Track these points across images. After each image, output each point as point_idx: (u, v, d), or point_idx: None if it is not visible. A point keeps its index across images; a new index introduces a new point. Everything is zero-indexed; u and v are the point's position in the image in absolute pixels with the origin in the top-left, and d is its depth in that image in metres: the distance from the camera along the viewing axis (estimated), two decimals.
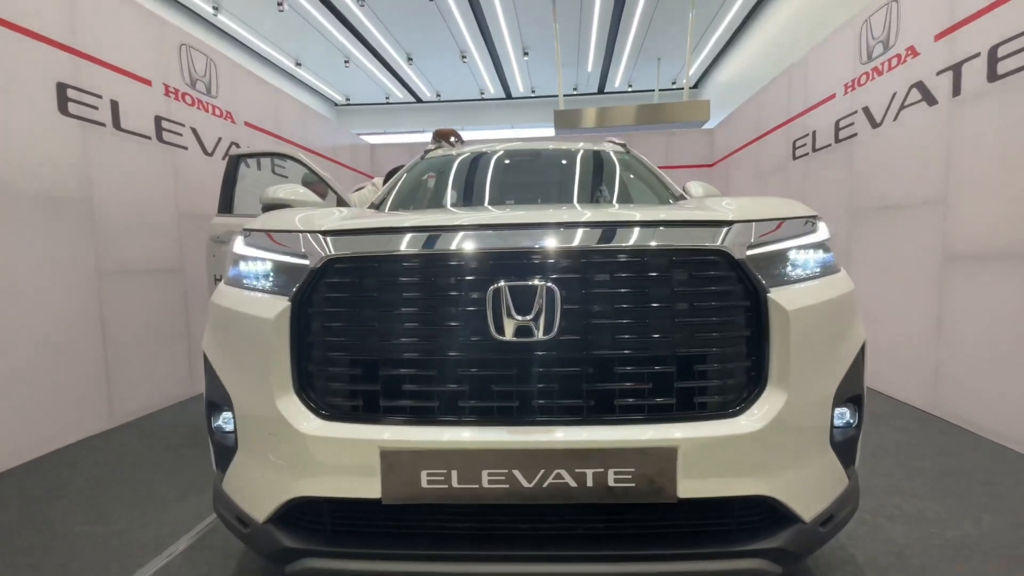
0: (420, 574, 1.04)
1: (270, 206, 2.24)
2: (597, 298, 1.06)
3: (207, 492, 2.09)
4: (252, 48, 10.42)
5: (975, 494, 1.99)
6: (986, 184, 2.54)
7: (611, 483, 1.00)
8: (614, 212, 1.22)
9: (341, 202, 2.69)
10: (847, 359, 1.18)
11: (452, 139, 3.46)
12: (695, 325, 1.06)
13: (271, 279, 1.20)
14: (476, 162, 2.64)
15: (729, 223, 1.11)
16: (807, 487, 1.10)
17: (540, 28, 9.71)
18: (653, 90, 11.88)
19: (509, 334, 1.02)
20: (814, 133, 4.06)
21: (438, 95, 13.71)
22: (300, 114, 5.47)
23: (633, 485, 1.00)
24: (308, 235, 1.17)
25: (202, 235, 3.21)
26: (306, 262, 1.13)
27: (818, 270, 1.23)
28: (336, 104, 14.23)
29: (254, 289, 1.22)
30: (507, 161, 2.65)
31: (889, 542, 1.67)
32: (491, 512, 1.07)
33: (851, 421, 1.22)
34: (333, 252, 1.11)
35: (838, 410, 1.18)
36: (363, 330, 1.10)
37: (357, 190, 4.27)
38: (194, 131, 3.73)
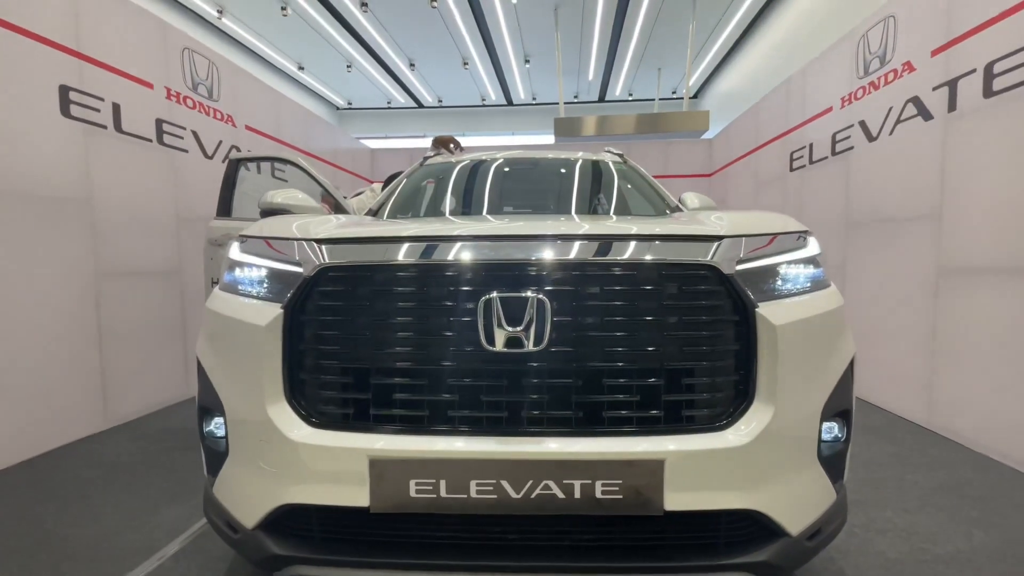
0: None
1: (268, 211, 2.25)
2: (587, 310, 1.07)
3: (199, 495, 2.09)
4: (255, 52, 10.49)
5: (967, 508, 1.99)
6: (980, 199, 2.56)
7: (598, 495, 1.00)
8: (606, 225, 1.23)
9: (339, 208, 2.71)
10: (835, 373, 1.18)
11: (452, 146, 3.49)
12: (684, 339, 1.07)
13: (265, 286, 1.21)
14: (475, 170, 2.66)
15: (719, 238, 1.13)
16: (794, 501, 1.10)
17: (542, 36, 9.78)
18: (653, 99, 11.94)
19: (500, 345, 1.03)
20: (811, 146, 4.09)
21: (440, 100, 13.78)
22: (301, 118, 5.49)
23: (620, 497, 1.00)
24: (303, 243, 1.18)
25: (201, 238, 3.22)
26: (300, 270, 1.14)
27: (808, 285, 1.24)
28: (338, 108, 14.29)
29: (248, 295, 1.23)
30: (506, 170, 2.67)
31: (879, 555, 1.68)
32: (480, 522, 1.07)
33: (839, 435, 1.23)
34: (327, 260, 1.12)
35: (826, 424, 1.18)
36: (355, 339, 1.11)
37: (356, 195, 4.29)
38: (195, 134, 3.75)
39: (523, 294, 1.04)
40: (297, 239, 1.19)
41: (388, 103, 13.89)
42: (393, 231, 1.19)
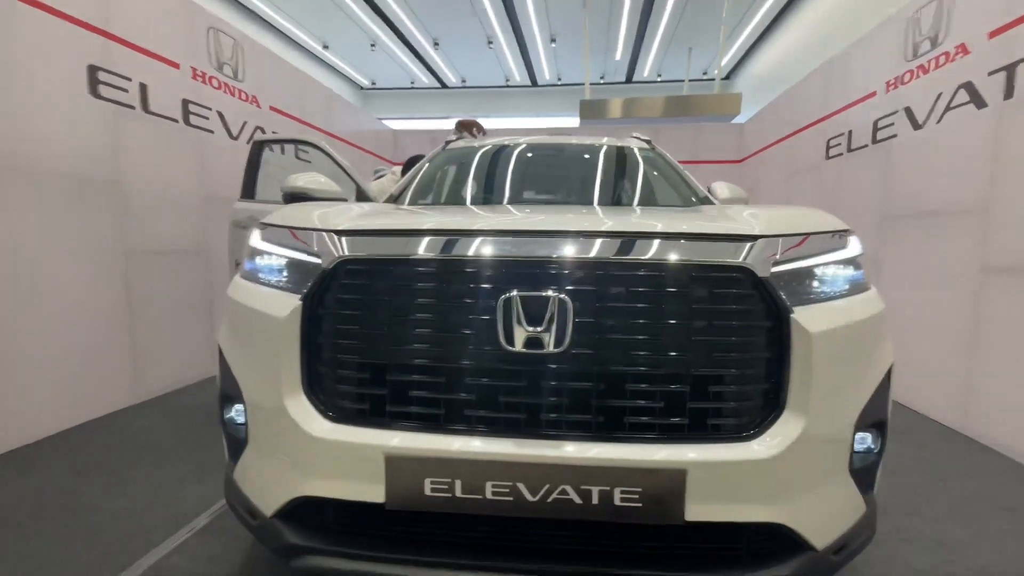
0: None
1: (291, 195, 2.25)
2: (611, 312, 1.03)
3: (222, 474, 2.14)
4: (281, 30, 10.47)
5: (998, 519, 1.91)
6: None
7: (617, 502, 0.98)
8: (633, 220, 1.17)
9: (361, 194, 2.68)
10: (872, 383, 1.12)
11: (475, 130, 3.43)
12: (712, 344, 1.02)
13: (284, 275, 1.20)
14: (497, 156, 2.61)
15: (754, 237, 1.06)
16: (821, 514, 1.06)
17: (569, 15, 9.51)
18: (683, 80, 11.55)
19: (519, 345, 1.00)
20: (850, 133, 3.90)
21: (463, 81, 13.60)
22: (324, 99, 5.48)
23: (640, 505, 0.97)
24: (323, 233, 1.16)
25: (226, 218, 3.26)
26: (319, 261, 1.13)
27: (846, 288, 1.18)
28: (361, 88, 14.24)
29: (268, 284, 1.22)
30: (528, 156, 2.61)
31: (906, 566, 1.62)
32: (495, 522, 1.06)
33: (872, 447, 1.17)
34: (346, 253, 1.10)
35: (859, 435, 1.13)
36: (373, 333, 1.09)
37: (377, 178, 4.27)
38: (220, 115, 3.76)
39: (544, 293, 1.00)
40: (317, 229, 1.18)
41: (411, 83, 13.78)
42: (413, 223, 1.16)
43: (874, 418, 1.15)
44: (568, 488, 0.98)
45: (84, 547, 1.66)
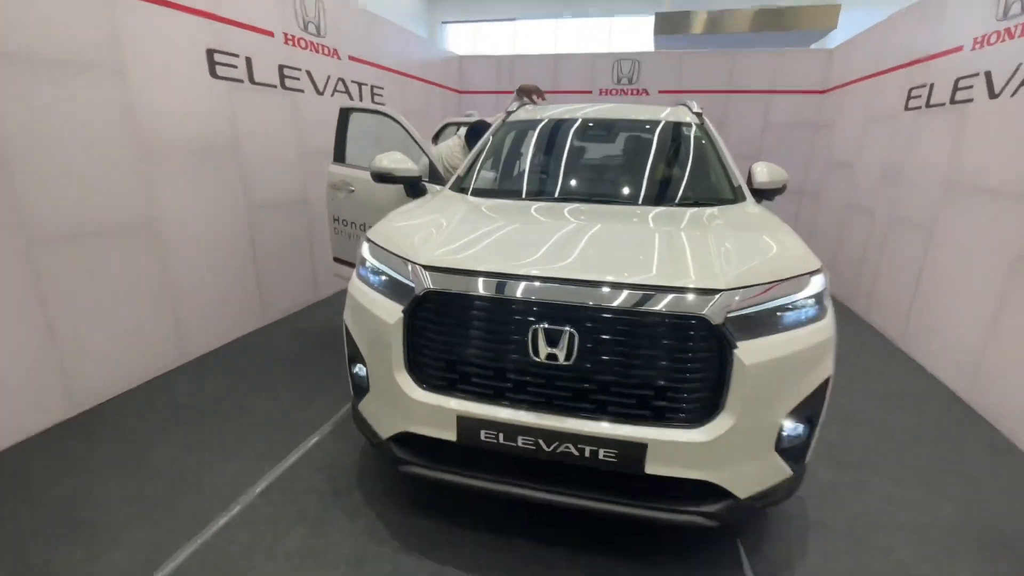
0: (475, 487, 1.67)
1: (377, 175, 2.75)
2: (603, 340, 1.50)
3: (336, 390, 2.93)
4: None
5: (952, 485, 2.31)
6: None
7: (600, 457, 1.53)
8: (627, 274, 1.54)
9: (433, 172, 3.11)
10: (803, 393, 1.54)
11: (535, 96, 3.65)
12: (672, 364, 1.48)
13: (390, 288, 1.75)
14: (551, 138, 2.92)
15: (717, 291, 1.46)
16: (745, 476, 1.55)
17: None
18: None
19: (542, 358, 1.52)
20: (932, 86, 3.68)
21: None
22: (396, 38, 5.68)
23: (615, 461, 1.52)
24: (416, 266, 1.67)
25: (320, 170, 3.83)
26: (413, 286, 1.66)
27: (800, 320, 1.56)
28: None
29: (378, 291, 1.78)
30: (581, 138, 2.89)
31: (846, 511, 2.11)
32: (521, 462, 1.65)
33: (800, 435, 1.61)
34: (431, 286, 1.62)
35: (789, 425, 1.58)
36: (448, 338, 1.64)
37: (440, 132, 4.61)
38: (308, 74, 4.20)
39: (560, 327, 1.49)
40: (410, 261, 1.69)
41: None
42: (475, 263, 1.63)
43: (804, 415, 1.58)
44: (570, 446, 1.54)
45: (264, 433, 2.50)
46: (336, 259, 3.72)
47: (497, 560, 1.79)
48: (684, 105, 3.23)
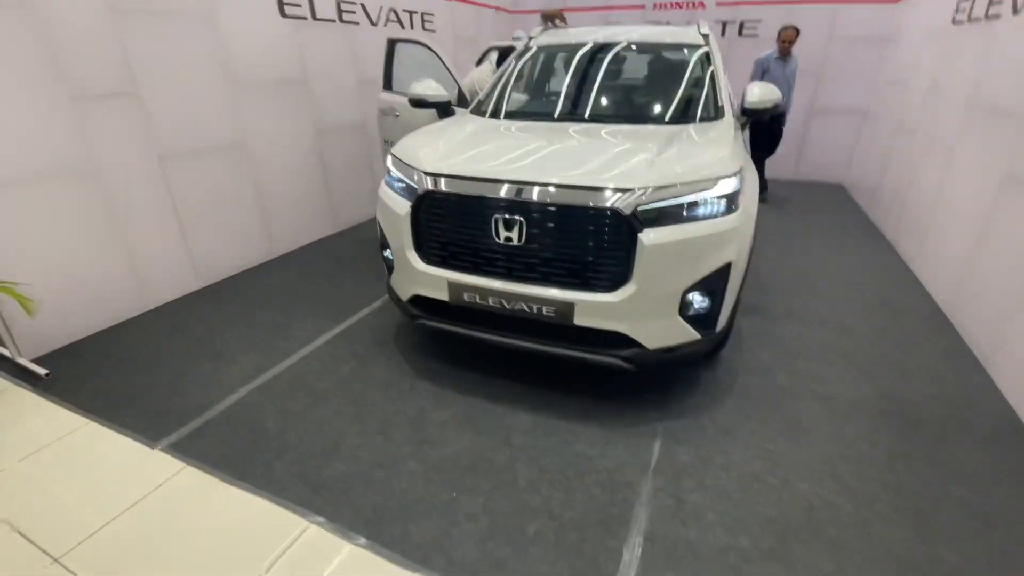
0: (463, 334, 2.35)
1: (414, 101, 3.30)
2: (544, 227, 2.03)
3: (384, 281, 3.69)
4: None
5: (883, 374, 2.68)
6: None
7: (544, 312, 2.12)
8: (570, 174, 2.01)
9: (462, 97, 3.59)
10: (702, 272, 2.01)
11: (557, 20, 3.91)
12: (596, 246, 2.00)
13: (403, 188, 2.37)
14: (559, 63, 3.29)
15: (626, 190, 1.93)
16: (653, 332, 2.09)
17: None
18: None
19: (502, 240, 2.10)
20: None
21: None
22: None
23: (554, 315, 2.11)
24: (421, 172, 2.27)
25: (375, 97, 4.42)
26: (417, 187, 2.27)
27: (705, 214, 2.00)
28: None
29: (396, 192, 2.42)
30: (585, 65, 3.22)
31: (769, 384, 2.59)
32: (493, 316, 2.29)
33: (704, 305, 2.11)
34: (430, 187, 2.21)
35: (694, 296, 2.07)
36: (440, 226, 2.26)
37: (483, 56, 4.97)
38: (363, 7, 4.68)
39: (514, 217, 2.05)
40: (416, 169, 2.29)
41: None
42: (463, 170, 2.19)
43: (705, 289, 2.07)
44: (523, 304, 2.14)
45: (331, 306, 3.35)
46: None
47: (482, 390, 2.50)
48: (697, 25, 3.40)
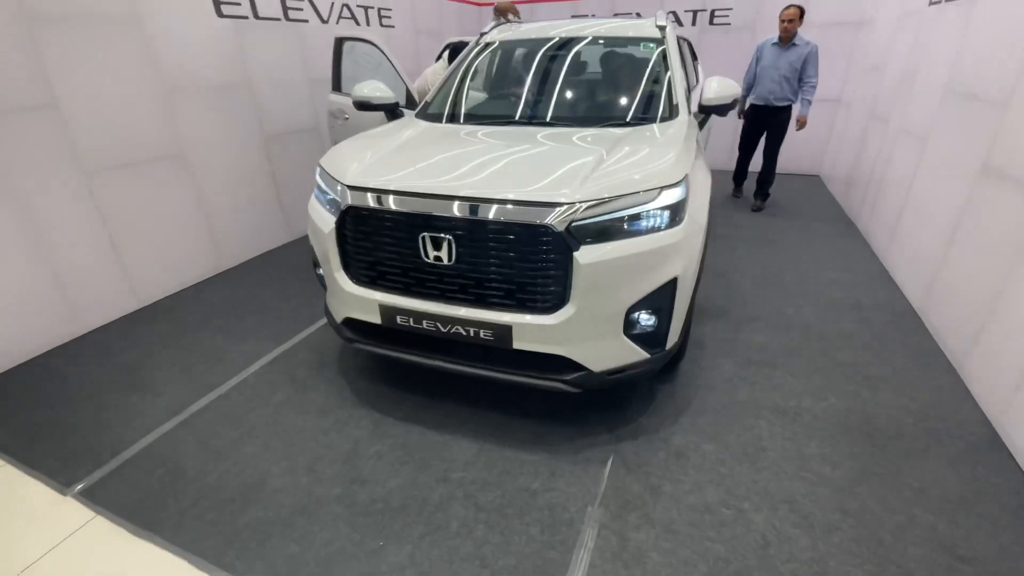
0: (401, 358, 2.17)
1: (359, 103, 3.09)
2: (474, 246, 1.86)
3: None
4: None
5: (851, 384, 2.55)
6: None
7: (482, 336, 1.95)
8: (500, 187, 1.84)
9: (410, 99, 3.39)
10: (646, 290, 1.85)
11: (510, 15, 3.71)
12: (530, 265, 1.83)
13: (329, 203, 2.18)
14: (506, 62, 3.10)
15: (559, 204, 1.75)
16: (596, 354, 1.93)
17: None
18: None
19: (431, 259, 1.92)
20: None
21: None
22: None
23: (492, 339, 1.95)
24: (343, 186, 2.08)
25: (326, 99, 4.19)
26: (340, 201, 2.08)
27: (645, 228, 1.83)
28: None
29: (323, 206, 2.22)
30: (535, 63, 3.02)
31: (730, 397, 2.45)
32: (428, 339, 2.12)
33: (651, 324, 1.95)
34: (351, 202, 2.02)
35: (640, 315, 1.92)
36: (367, 244, 2.07)
37: (442, 53, 4.76)
38: (311, 3, 4.43)
39: (440, 235, 1.87)
40: (339, 183, 2.10)
41: None
42: (382, 183, 2.00)
43: (651, 307, 1.91)
44: (459, 327, 1.97)
45: (275, 324, 3.16)
46: None
47: (425, 415, 2.34)
48: (655, 18, 3.22)
